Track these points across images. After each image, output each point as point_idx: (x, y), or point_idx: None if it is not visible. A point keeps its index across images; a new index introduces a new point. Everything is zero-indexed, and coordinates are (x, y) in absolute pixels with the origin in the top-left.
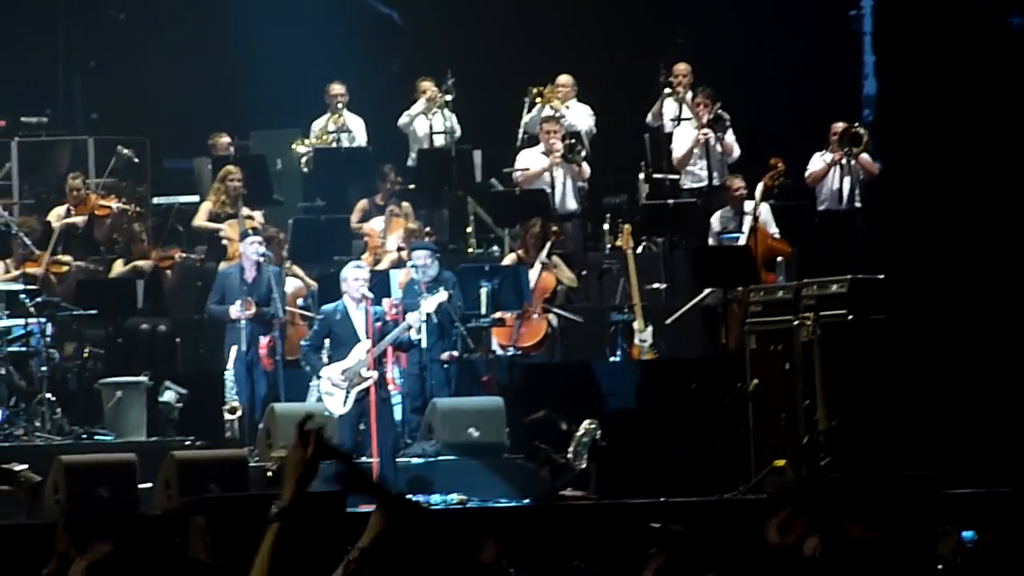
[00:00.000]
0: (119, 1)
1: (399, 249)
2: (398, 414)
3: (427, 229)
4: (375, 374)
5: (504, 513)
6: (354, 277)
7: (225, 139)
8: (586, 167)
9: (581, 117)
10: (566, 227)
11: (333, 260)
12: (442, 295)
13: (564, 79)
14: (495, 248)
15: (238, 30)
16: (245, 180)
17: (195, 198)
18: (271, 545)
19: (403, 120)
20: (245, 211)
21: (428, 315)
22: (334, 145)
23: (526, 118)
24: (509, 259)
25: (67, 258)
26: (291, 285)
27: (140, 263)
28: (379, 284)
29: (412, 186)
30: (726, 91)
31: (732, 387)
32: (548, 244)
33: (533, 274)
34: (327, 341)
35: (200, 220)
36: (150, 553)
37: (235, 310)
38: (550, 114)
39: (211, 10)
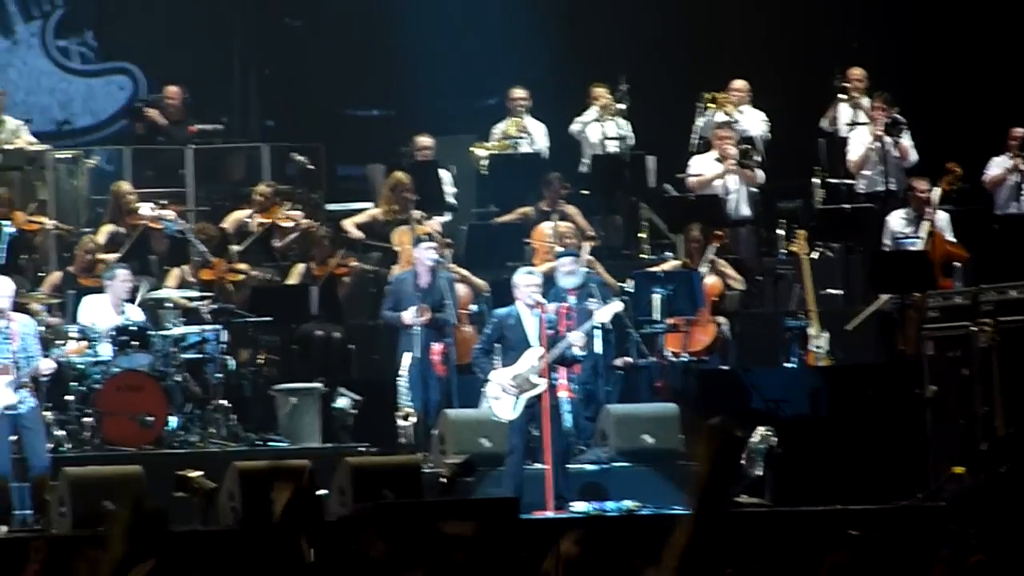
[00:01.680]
0: (295, 8)
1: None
2: (569, 420)
3: (589, 234)
4: (545, 382)
5: (678, 520)
6: (526, 283)
7: (426, 139)
8: (760, 173)
9: (755, 122)
10: (739, 232)
11: (507, 266)
12: (616, 305)
13: (738, 84)
14: (668, 254)
15: (414, 35)
16: (417, 186)
17: (369, 205)
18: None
19: (575, 127)
20: (417, 215)
21: (603, 323)
22: (510, 151)
23: (699, 123)
24: (671, 265)
25: (243, 266)
26: (462, 290)
27: (315, 271)
28: (549, 289)
29: (585, 192)
30: (902, 95)
31: (909, 393)
32: (713, 248)
33: (704, 277)
34: (498, 346)
35: (368, 228)
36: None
37: (409, 316)
38: (724, 120)
39: (387, 15)
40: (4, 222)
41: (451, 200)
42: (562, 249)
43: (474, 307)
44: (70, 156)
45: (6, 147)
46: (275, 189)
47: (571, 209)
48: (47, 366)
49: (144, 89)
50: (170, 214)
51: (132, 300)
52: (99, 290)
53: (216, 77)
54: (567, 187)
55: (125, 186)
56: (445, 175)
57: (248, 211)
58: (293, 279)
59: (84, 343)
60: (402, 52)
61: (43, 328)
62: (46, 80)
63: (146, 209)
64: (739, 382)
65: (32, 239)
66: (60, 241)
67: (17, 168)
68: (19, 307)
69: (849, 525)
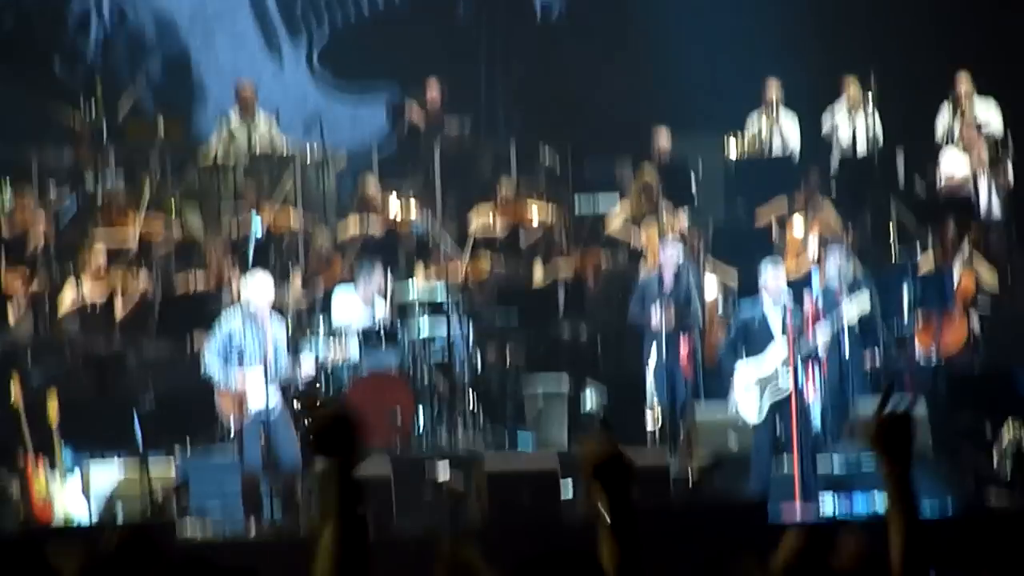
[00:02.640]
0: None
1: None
2: (817, 421)
3: (848, 239)
4: (790, 387)
5: (927, 520)
6: (773, 275)
7: (664, 139)
8: (1010, 175)
9: (992, 116)
10: (990, 232)
11: (755, 260)
12: (863, 303)
13: (961, 76)
14: (919, 256)
15: (664, 26)
16: (666, 184)
17: (615, 196)
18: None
19: (825, 125)
20: (665, 218)
21: (851, 325)
22: (762, 149)
23: (946, 116)
24: (926, 261)
25: (492, 269)
26: (710, 289)
27: (562, 270)
28: (798, 289)
29: (835, 195)
30: None
31: None
32: (967, 245)
33: (955, 278)
34: (744, 343)
35: (614, 226)
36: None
37: (655, 317)
38: (972, 120)
39: (637, 5)
40: (252, 212)
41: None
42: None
43: (720, 310)
44: (320, 161)
45: (256, 152)
46: (518, 186)
47: (826, 205)
48: (308, 367)
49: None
50: (417, 212)
51: (384, 296)
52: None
53: (463, 71)
54: (819, 187)
55: (372, 182)
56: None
57: (491, 209)
58: (537, 277)
59: (341, 349)
60: (654, 42)
61: (293, 327)
62: (312, 103)
63: (393, 207)
64: (988, 380)
65: (279, 240)
66: (308, 246)
67: (267, 172)
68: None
69: None
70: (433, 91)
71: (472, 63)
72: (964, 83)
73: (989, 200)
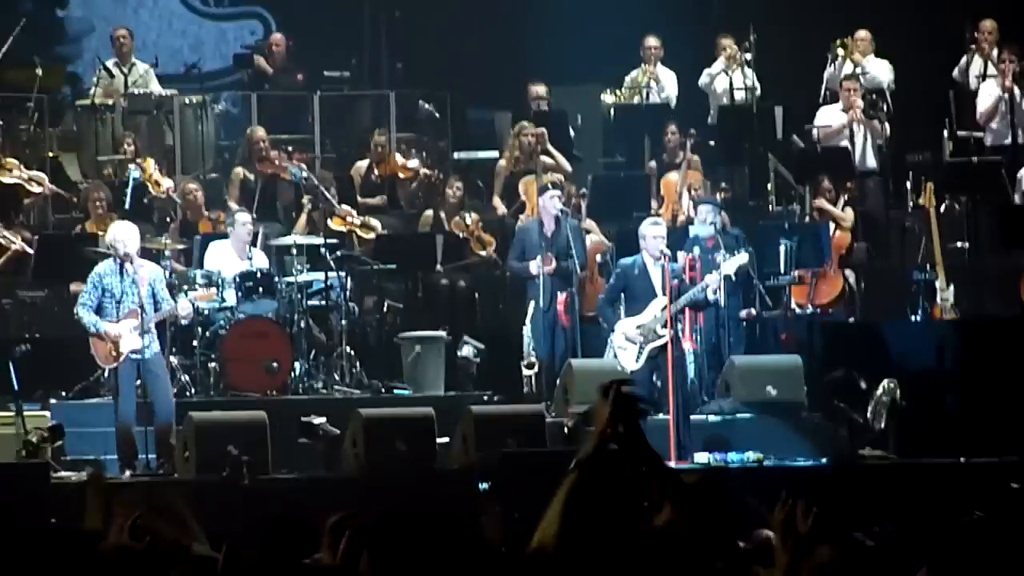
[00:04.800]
0: None
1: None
2: (693, 372)
3: (723, 185)
4: (670, 332)
5: (802, 473)
6: (653, 235)
7: (540, 88)
8: (887, 125)
9: (881, 72)
10: (866, 184)
11: (632, 216)
12: (742, 257)
13: (862, 33)
14: (795, 206)
15: None
16: (543, 135)
17: (494, 153)
18: (566, 495)
19: (703, 79)
20: (546, 161)
21: (727, 275)
22: (636, 100)
23: (828, 72)
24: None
25: (375, 223)
26: (589, 241)
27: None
28: (676, 240)
29: (712, 143)
30: None
31: None
32: (842, 200)
33: (830, 229)
34: (623, 296)
35: (497, 180)
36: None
37: (535, 266)
38: (850, 71)
39: None
40: (131, 167)
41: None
42: (695, 198)
43: (599, 258)
44: (197, 101)
45: (134, 91)
46: (388, 137)
47: (695, 160)
48: (184, 308)
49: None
50: (297, 162)
51: (254, 245)
52: (222, 236)
53: (346, 19)
54: (692, 135)
55: (259, 132)
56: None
57: (367, 160)
58: (423, 227)
59: (212, 290)
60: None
61: (169, 274)
62: (177, 22)
63: (275, 155)
64: (864, 335)
65: (157, 188)
66: (184, 194)
67: (144, 113)
68: (146, 253)
69: (972, 478)
70: (277, 43)
71: (355, 4)
72: (861, 41)
73: (864, 152)
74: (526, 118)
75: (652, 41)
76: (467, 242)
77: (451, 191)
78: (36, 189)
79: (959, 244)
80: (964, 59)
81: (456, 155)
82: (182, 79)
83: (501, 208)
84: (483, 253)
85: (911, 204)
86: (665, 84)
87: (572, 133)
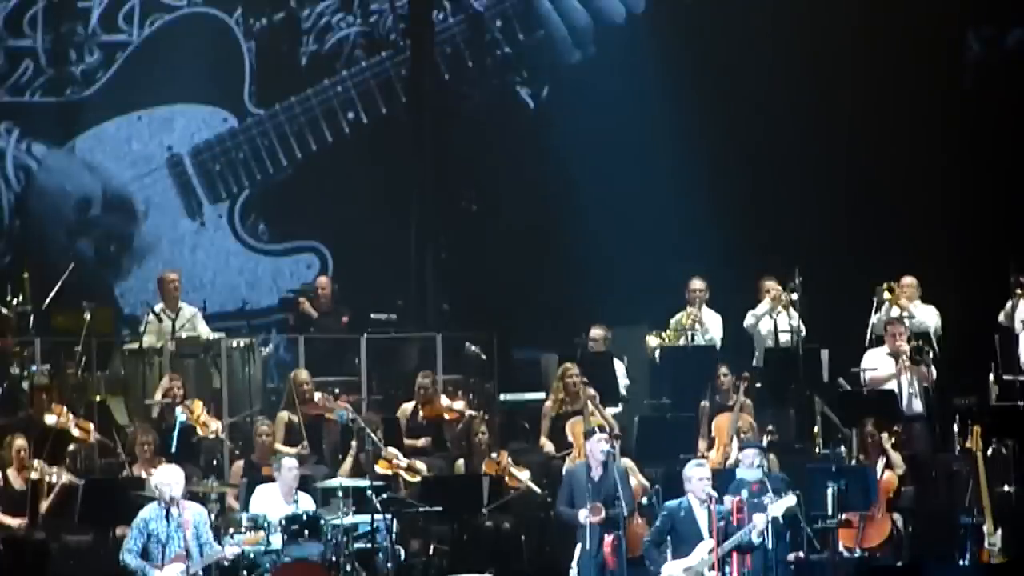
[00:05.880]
0: (472, 192)
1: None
2: None
3: (769, 427)
4: (718, 574)
5: None
6: (698, 476)
7: (599, 331)
8: (933, 370)
9: (928, 317)
10: (913, 428)
11: (679, 458)
12: (790, 499)
13: (908, 280)
14: (842, 448)
15: (589, 221)
16: (590, 377)
17: (540, 395)
18: None
19: (748, 321)
20: (590, 407)
21: (775, 517)
22: (682, 342)
23: (874, 318)
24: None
25: (421, 466)
26: (634, 481)
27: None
28: (724, 482)
29: (759, 385)
30: None
31: None
32: (890, 443)
33: (877, 472)
34: (669, 538)
35: (544, 421)
36: None
37: (583, 515)
38: (896, 315)
39: (561, 202)
40: (179, 409)
41: (623, 392)
42: (743, 441)
43: (644, 499)
44: (245, 344)
45: (181, 335)
46: (433, 379)
47: (747, 403)
48: (232, 552)
49: (330, 268)
50: (343, 404)
51: (304, 489)
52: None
53: (393, 260)
54: (746, 378)
55: (303, 375)
56: (619, 365)
57: (413, 403)
58: (462, 468)
59: (259, 533)
60: (579, 239)
61: (215, 517)
62: (234, 260)
63: (320, 398)
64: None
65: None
66: (235, 429)
67: (192, 356)
68: (193, 496)
69: None
70: (323, 286)
71: (403, 249)
72: (908, 287)
73: (911, 396)
74: (572, 359)
75: (697, 284)
76: (503, 479)
77: (478, 437)
78: (82, 435)
79: (1006, 488)
80: (1009, 303)
81: (502, 396)
82: (232, 316)
83: (549, 447)
84: (520, 485)
85: (958, 447)
86: (710, 326)
87: (619, 378)
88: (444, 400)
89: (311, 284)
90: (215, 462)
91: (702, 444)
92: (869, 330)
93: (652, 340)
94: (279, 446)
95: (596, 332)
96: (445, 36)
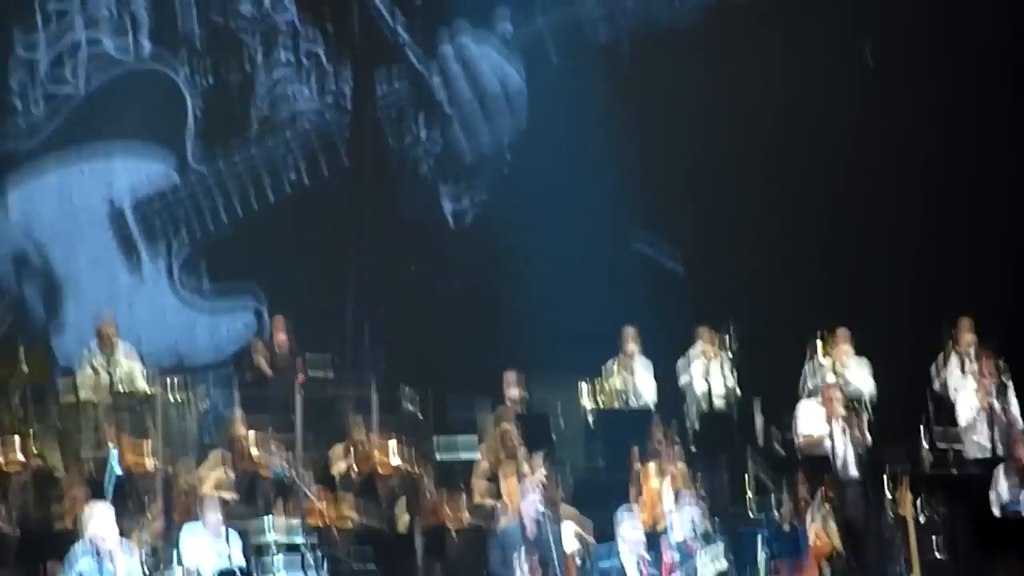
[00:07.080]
0: (413, 255)
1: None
2: None
3: (702, 493)
4: None
5: None
6: (632, 537)
7: (515, 391)
8: (868, 435)
9: (863, 379)
10: (846, 492)
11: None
12: (722, 565)
13: (840, 332)
14: (775, 512)
15: (521, 277)
16: (525, 436)
17: (476, 455)
18: None
19: (682, 378)
20: (525, 467)
21: None
22: (618, 401)
23: (807, 366)
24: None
25: (352, 514)
26: (568, 537)
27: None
28: (655, 543)
29: (693, 449)
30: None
31: None
32: (821, 501)
33: (810, 536)
34: None
35: (479, 480)
36: None
37: (518, 569)
38: (832, 381)
39: (494, 261)
40: (113, 453)
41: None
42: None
43: (579, 561)
44: (182, 399)
45: (119, 389)
46: (365, 433)
47: (679, 457)
48: None
49: (267, 328)
50: (278, 458)
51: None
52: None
53: (330, 313)
54: (678, 442)
55: (241, 430)
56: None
57: (350, 457)
58: (401, 527)
59: None
60: (513, 293)
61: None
62: (172, 316)
63: (257, 455)
64: None
65: (138, 481)
66: (166, 485)
67: (129, 410)
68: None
69: None
70: (281, 343)
71: (339, 304)
72: (842, 340)
73: (845, 460)
74: (507, 417)
75: (630, 332)
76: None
77: (426, 492)
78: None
79: (938, 555)
80: (941, 356)
81: (439, 456)
82: (169, 372)
83: (487, 503)
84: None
85: (891, 514)
86: (642, 385)
87: (554, 437)
88: (378, 454)
89: (261, 338)
90: (147, 499)
91: (635, 507)
92: (802, 379)
93: (587, 402)
94: (206, 490)
95: (513, 392)
96: (389, 100)
